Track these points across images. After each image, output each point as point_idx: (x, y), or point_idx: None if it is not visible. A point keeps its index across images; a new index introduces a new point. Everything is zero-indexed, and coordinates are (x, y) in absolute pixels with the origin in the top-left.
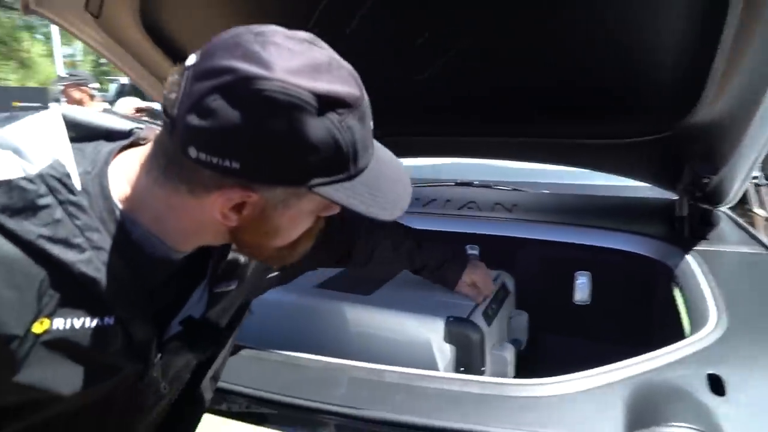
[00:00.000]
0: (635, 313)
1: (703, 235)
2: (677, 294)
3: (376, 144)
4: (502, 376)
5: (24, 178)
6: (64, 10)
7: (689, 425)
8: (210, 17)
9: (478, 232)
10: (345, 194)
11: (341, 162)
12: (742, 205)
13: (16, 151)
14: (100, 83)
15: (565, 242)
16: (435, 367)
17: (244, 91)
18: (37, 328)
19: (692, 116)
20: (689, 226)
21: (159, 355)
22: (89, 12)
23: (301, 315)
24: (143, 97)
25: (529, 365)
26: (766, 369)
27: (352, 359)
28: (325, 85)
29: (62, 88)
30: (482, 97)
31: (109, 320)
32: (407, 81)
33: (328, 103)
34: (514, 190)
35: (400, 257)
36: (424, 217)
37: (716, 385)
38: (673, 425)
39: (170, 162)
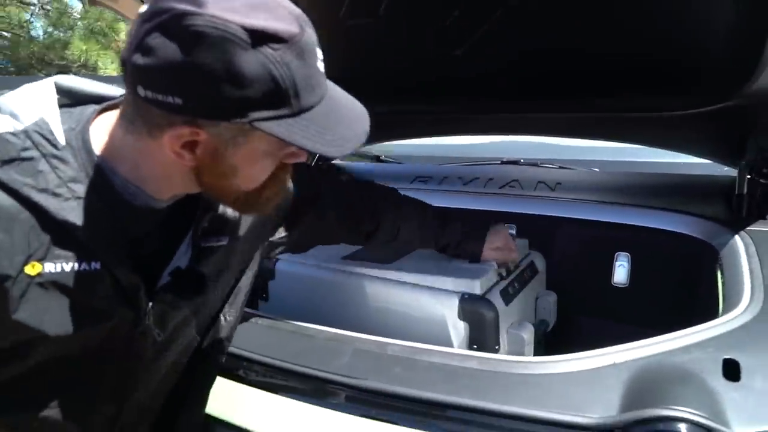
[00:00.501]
0: (675, 296)
1: (763, 216)
2: (719, 279)
3: (331, 85)
4: (517, 356)
5: (10, 133)
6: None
7: (688, 410)
8: None
9: (515, 210)
10: (287, 130)
11: (281, 97)
12: None
13: (12, 115)
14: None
15: (605, 221)
16: (449, 344)
17: (177, 27)
18: (30, 270)
19: (753, 83)
20: (747, 204)
21: (150, 304)
22: None
23: (320, 287)
24: None
25: (560, 347)
26: None
27: (368, 333)
28: (259, 22)
29: None
30: (528, 71)
31: (95, 265)
32: (447, 58)
33: (260, 37)
34: (561, 168)
35: (425, 236)
36: (461, 196)
37: (731, 371)
38: (671, 408)
39: (130, 106)
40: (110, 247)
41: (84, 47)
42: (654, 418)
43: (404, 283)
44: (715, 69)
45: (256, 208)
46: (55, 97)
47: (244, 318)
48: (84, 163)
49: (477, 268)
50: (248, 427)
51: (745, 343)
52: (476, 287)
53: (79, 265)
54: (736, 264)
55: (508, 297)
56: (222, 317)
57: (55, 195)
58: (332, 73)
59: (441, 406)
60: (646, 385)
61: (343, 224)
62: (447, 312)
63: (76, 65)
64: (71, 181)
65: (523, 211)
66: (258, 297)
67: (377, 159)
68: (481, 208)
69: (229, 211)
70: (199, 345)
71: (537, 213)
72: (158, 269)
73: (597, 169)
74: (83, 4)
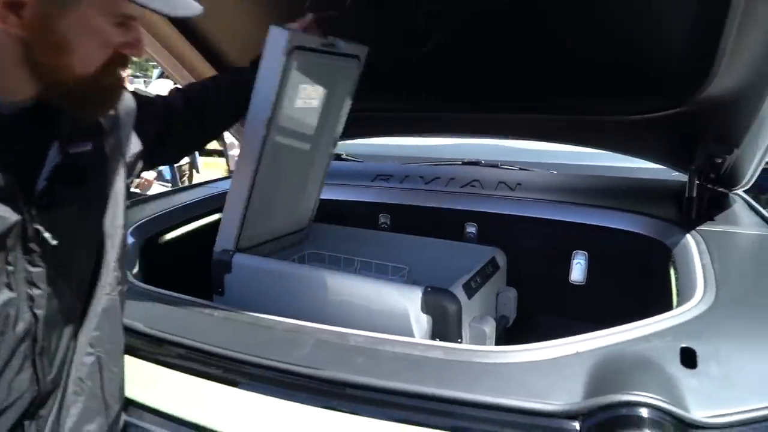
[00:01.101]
0: (631, 293)
1: (711, 217)
2: (672, 275)
3: None
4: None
5: None
6: None
7: (650, 395)
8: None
9: (477, 209)
10: None
11: None
12: None
13: None
14: (145, 69)
15: (563, 220)
16: (412, 336)
17: None
18: None
19: (704, 91)
20: (697, 207)
21: (33, 207)
22: None
23: (280, 280)
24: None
25: (520, 343)
26: (743, 343)
27: (332, 326)
28: None
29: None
30: (490, 74)
31: None
32: (412, 56)
33: None
34: (521, 169)
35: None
36: (423, 194)
37: (688, 358)
38: (632, 394)
39: None
40: None
41: None
42: (616, 403)
43: (367, 275)
44: (669, 75)
45: (93, 105)
46: None
47: (202, 309)
48: None
49: None
50: (210, 425)
51: (701, 332)
52: (443, 283)
53: None
54: (689, 261)
55: (470, 291)
56: (108, 224)
57: None
58: None
59: (406, 395)
60: (608, 372)
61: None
62: (410, 304)
63: None
64: None
65: (485, 210)
66: (213, 291)
67: (338, 157)
68: (442, 206)
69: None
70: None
71: (498, 212)
72: (33, 174)
73: (555, 172)
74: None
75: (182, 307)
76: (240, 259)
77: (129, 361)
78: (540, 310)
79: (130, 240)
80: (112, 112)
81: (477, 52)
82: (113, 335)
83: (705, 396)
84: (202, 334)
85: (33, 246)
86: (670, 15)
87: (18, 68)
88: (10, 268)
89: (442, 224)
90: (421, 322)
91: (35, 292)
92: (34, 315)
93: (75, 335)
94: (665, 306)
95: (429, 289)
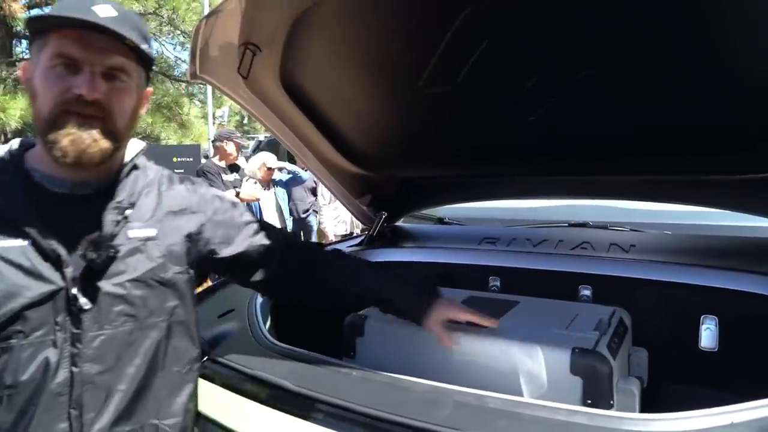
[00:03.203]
0: None
1: None
2: None
3: None
4: (629, 411)
5: None
6: (221, 74)
7: None
8: (337, 76)
9: (590, 272)
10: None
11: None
12: None
13: None
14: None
15: (687, 283)
16: (562, 401)
17: None
18: None
19: None
20: None
21: (71, 268)
22: (240, 74)
23: (416, 343)
24: (277, 154)
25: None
26: None
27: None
28: None
29: (219, 143)
30: (598, 134)
31: (23, 242)
32: (519, 122)
33: None
34: (633, 230)
35: (363, 285)
36: (533, 257)
37: None
38: None
39: None
40: (29, 226)
41: (150, 120)
42: None
43: (509, 338)
44: None
45: (52, 148)
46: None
47: (340, 368)
48: (7, 164)
49: (578, 323)
50: None
51: None
52: (588, 342)
53: (13, 242)
54: None
55: (612, 351)
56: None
57: None
58: (406, 135)
59: None
60: None
61: (277, 266)
62: (558, 367)
63: (139, 137)
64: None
65: (599, 272)
66: (343, 353)
67: (440, 221)
68: (555, 269)
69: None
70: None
71: (613, 274)
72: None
73: (669, 232)
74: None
75: (323, 366)
76: (373, 322)
77: (276, 415)
78: (667, 378)
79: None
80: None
81: (578, 116)
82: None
83: None
84: (344, 392)
85: (74, 309)
86: None
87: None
88: (57, 327)
89: (554, 287)
90: (571, 385)
91: (74, 350)
92: (71, 372)
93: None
94: None
95: (577, 350)
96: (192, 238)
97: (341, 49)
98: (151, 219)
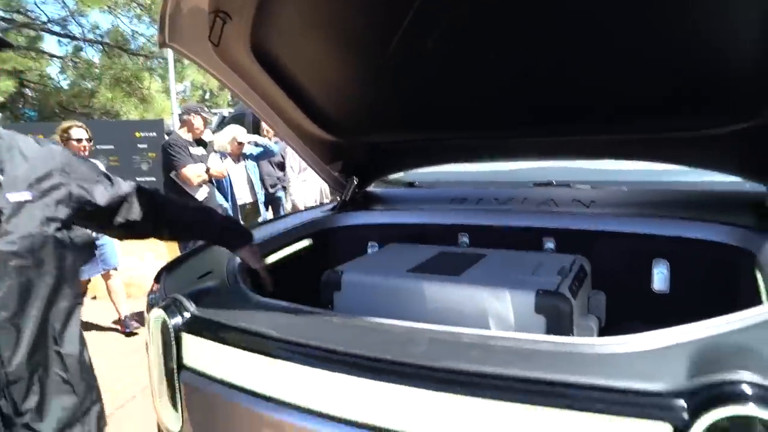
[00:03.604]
0: (715, 300)
1: None
2: (759, 278)
3: None
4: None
5: None
6: (191, 42)
7: (749, 373)
8: (307, 44)
9: (554, 226)
10: None
11: None
12: None
13: None
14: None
15: (642, 233)
16: None
17: None
18: None
19: None
20: None
21: None
22: (211, 42)
23: (392, 296)
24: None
25: None
26: None
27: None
28: None
29: (187, 117)
30: (562, 97)
31: None
32: (485, 87)
33: None
34: (593, 188)
35: (191, 220)
36: (502, 214)
37: None
38: (734, 372)
39: None
40: None
41: (110, 95)
42: (720, 382)
43: (478, 284)
44: (742, 89)
45: None
46: None
47: (319, 316)
48: None
49: (542, 270)
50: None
51: None
52: (551, 284)
53: None
54: None
55: (573, 293)
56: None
57: None
58: (376, 102)
59: (524, 381)
60: (710, 357)
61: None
62: (523, 308)
63: (99, 112)
64: None
65: (562, 226)
66: (323, 308)
67: (411, 185)
68: (521, 224)
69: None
70: None
71: (576, 227)
72: None
73: (626, 189)
74: (104, 54)
75: (305, 315)
76: (349, 277)
77: (264, 362)
78: (626, 318)
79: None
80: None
81: (544, 79)
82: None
83: None
84: (327, 337)
85: None
86: (735, 33)
87: None
88: None
89: (521, 241)
90: (535, 323)
91: None
92: None
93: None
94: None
95: (541, 291)
96: (61, 197)
97: (311, 17)
98: (23, 183)
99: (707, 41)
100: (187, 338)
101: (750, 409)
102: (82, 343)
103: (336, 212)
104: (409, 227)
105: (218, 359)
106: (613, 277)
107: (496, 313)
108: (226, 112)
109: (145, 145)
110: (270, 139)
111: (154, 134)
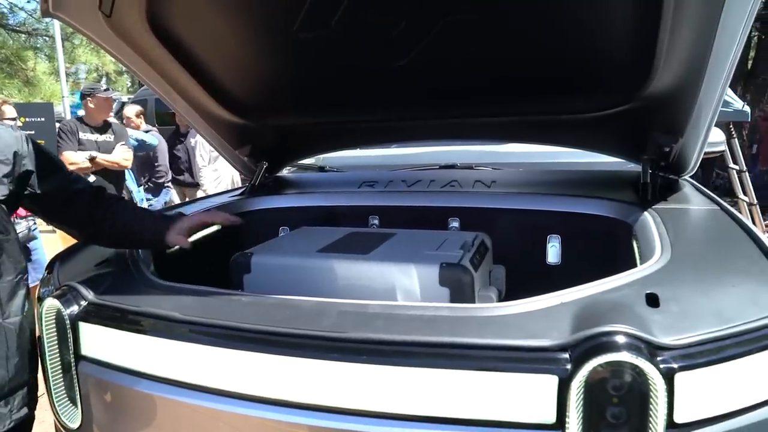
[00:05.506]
0: (601, 268)
1: (665, 198)
2: (635, 246)
3: None
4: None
5: None
6: (79, 12)
7: (624, 326)
8: (210, 17)
9: (458, 205)
10: None
11: None
12: (731, 195)
13: None
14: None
15: (536, 210)
16: None
17: None
18: None
19: (648, 88)
20: (651, 191)
21: None
22: (102, 12)
23: (302, 276)
24: (144, 116)
25: None
26: (694, 288)
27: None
28: None
29: (83, 100)
30: (455, 81)
31: None
32: (390, 68)
33: None
34: (494, 169)
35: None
36: (410, 195)
37: (652, 301)
38: (609, 326)
39: None
40: None
41: None
42: (597, 333)
43: (386, 261)
44: (616, 75)
45: None
46: None
47: (227, 296)
48: None
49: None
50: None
51: (661, 281)
52: (454, 258)
53: None
54: (648, 232)
55: (474, 265)
56: None
57: None
58: (283, 83)
59: (425, 345)
60: (588, 314)
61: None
62: (428, 279)
63: None
64: None
65: (466, 205)
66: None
67: (321, 170)
68: (427, 205)
69: None
70: None
71: (478, 206)
72: None
73: (522, 170)
74: None
75: (211, 296)
76: (259, 258)
77: (169, 345)
78: (523, 290)
79: None
80: None
81: (443, 62)
82: None
83: (667, 326)
84: (234, 315)
85: None
86: (611, 21)
87: None
88: None
89: (427, 220)
90: (439, 295)
91: None
92: None
93: None
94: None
95: (444, 264)
96: (6, 180)
97: None
98: None
99: (590, 31)
100: (84, 327)
101: (623, 356)
102: (30, 316)
103: (244, 197)
104: (319, 210)
105: (120, 347)
106: (512, 251)
107: (403, 287)
108: (126, 98)
109: (32, 131)
110: (139, 128)
111: (43, 119)
